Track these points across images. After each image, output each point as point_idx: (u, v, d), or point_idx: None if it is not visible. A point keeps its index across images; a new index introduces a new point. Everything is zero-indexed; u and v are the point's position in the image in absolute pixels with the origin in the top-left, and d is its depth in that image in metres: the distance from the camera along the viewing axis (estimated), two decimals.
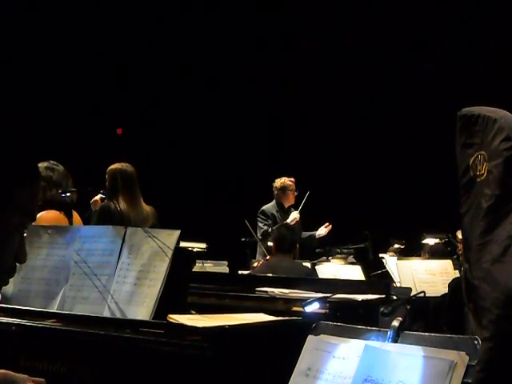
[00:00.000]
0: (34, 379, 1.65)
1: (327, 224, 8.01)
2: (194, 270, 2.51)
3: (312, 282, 3.75)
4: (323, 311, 2.64)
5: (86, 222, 5.18)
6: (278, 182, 7.96)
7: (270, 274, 4.68)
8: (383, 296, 2.92)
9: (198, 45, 10.57)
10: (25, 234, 1.46)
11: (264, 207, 7.89)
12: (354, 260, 7.28)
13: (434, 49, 9.82)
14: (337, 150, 10.06)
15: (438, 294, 5.36)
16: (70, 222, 4.13)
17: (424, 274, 5.75)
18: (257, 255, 7.57)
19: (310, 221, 8.06)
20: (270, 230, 7.44)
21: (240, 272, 6.31)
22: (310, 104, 10.39)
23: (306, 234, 7.92)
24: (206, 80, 10.69)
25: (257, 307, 2.61)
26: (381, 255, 6.94)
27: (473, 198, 2.03)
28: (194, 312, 2.33)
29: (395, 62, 9.86)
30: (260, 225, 7.73)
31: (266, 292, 2.97)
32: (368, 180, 9.74)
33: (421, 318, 5.06)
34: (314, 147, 10.19)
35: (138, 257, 2.35)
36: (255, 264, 6.67)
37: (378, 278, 6.26)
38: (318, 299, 2.65)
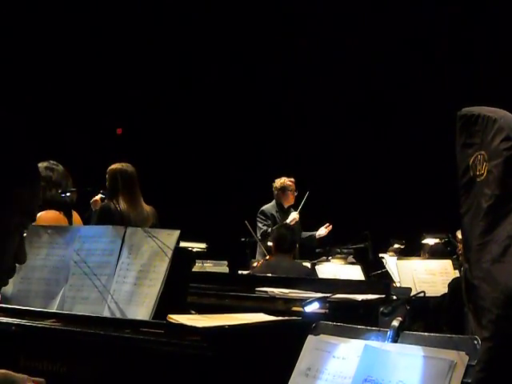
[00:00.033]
0: (33, 379, 1.65)
1: (327, 224, 8.01)
2: (194, 269, 2.51)
3: (312, 282, 3.75)
4: (323, 311, 2.65)
5: (86, 221, 5.18)
6: (278, 182, 7.96)
7: (270, 274, 4.68)
8: (383, 296, 2.93)
9: (197, 45, 10.57)
10: (24, 234, 1.46)
11: (263, 207, 7.89)
12: (353, 260, 7.28)
13: (434, 49, 9.82)
14: (337, 150, 10.06)
15: (438, 294, 5.35)
16: (70, 222, 4.13)
17: (424, 274, 5.74)
18: (257, 255, 7.57)
19: (309, 221, 8.06)
20: (269, 230, 7.44)
21: (240, 272, 6.32)
22: (309, 104, 10.39)
23: (306, 234, 7.92)
24: (206, 80, 10.69)
25: (257, 307, 2.62)
26: (381, 255, 6.93)
27: (473, 197, 2.03)
28: (193, 312, 2.33)
29: (395, 61, 9.86)
30: (259, 225, 7.73)
31: (266, 292, 2.97)
32: (368, 180, 9.74)
33: (421, 317, 5.06)
34: (313, 147, 10.19)
35: (138, 257, 2.35)
36: (255, 264, 6.67)
37: (378, 278, 6.26)
38: (318, 299, 2.65)
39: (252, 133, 10.48)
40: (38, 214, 1.51)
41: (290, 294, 2.91)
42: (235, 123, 10.49)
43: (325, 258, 7.03)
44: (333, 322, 1.70)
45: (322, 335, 1.66)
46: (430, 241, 7.23)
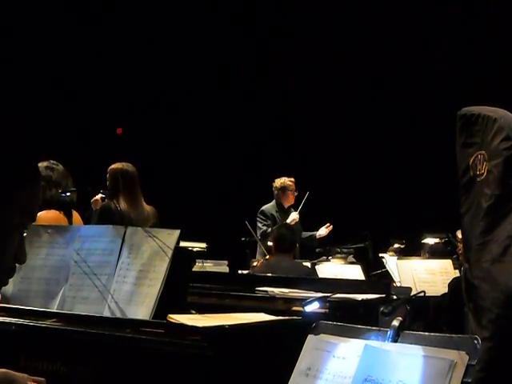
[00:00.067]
0: (33, 378, 1.65)
1: (328, 224, 8.01)
2: (194, 269, 2.50)
3: (312, 281, 3.75)
4: (323, 311, 2.65)
5: (86, 221, 5.18)
6: (278, 182, 7.96)
7: (270, 274, 4.68)
8: (383, 296, 2.93)
9: (198, 45, 10.57)
10: (25, 234, 1.46)
11: (263, 207, 7.89)
12: (353, 260, 7.28)
13: (434, 49, 9.82)
14: (337, 150, 10.05)
15: (438, 294, 5.35)
16: (70, 222, 4.13)
17: (424, 274, 5.75)
18: (257, 255, 7.57)
19: (310, 221, 8.06)
20: (268, 230, 7.44)
21: (240, 272, 6.32)
22: (309, 104, 10.39)
23: (306, 234, 7.92)
24: (206, 80, 10.69)
25: (257, 307, 2.62)
26: (381, 255, 6.93)
27: (473, 197, 2.02)
28: (194, 312, 2.33)
29: (395, 61, 9.86)
30: (259, 225, 7.73)
31: (266, 292, 2.97)
32: (368, 180, 9.74)
33: (421, 317, 5.06)
34: (314, 147, 10.19)
35: (138, 256, 2.35)
36: (255, 264, 6.67)
37: (378, 278, 6.26)
38: (318, 299, 2.65)
39: (252, 133, 10.48)
40: (38, 214, 1.51)
41: (290, 294, 2.91)
42: (235, 123, 10.49)
43: (325, 257, 7.03)
44: (333, 321, 1.70)
45: (322, 335, 1.66)
46: (430, 240, 7.22)
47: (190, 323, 2.03)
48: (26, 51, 9.64)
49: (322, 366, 1.61)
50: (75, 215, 4.35)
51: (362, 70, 10.12)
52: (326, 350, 1.63)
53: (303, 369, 1.63)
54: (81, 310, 2.33)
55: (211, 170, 10.32)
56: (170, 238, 2.34)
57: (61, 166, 4.25)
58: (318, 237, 7.97)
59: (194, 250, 6.18)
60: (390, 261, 6.37)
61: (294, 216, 7.75)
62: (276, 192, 7.96)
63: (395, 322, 1.58)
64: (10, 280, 1.49)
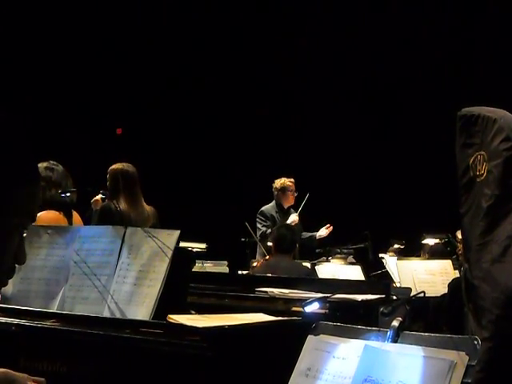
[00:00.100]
0: (33, 378, 1.65)
1: (328, 225, 8.00)
2: (194, 269, 2.51)
3: (312, 282, 3.75)
4: (323, 311, 2.65)
5: (86, 221, 5.18)
6: (278, 183, 7.95)
7: (270, 274, 4.68)
8: (383, 296, 2.92)
9: (197, 45, 10.57)
10: (24, 234, 1.46)
11: (263, 208, 7.88)
12: (353, 260, 7.28)
13: (434, 49, 9.82)
14: (337, 151, 10.05)
15: (438, 294, 5.36)
16: (70, 222, 4.12)
17: (424, 274, 5.75)
18: (257, 255, 7.57)
19: (309, 221, 8.06)
20: (268, 231, 7.44)
21: (240, 272, 6.32)
22: (309, 104, 10.39)
23: (306, 234, 7.92)
24: (206, 80, 10.69)
25: (257, 307, 2.62)
26: (381, 255, 6.93)
27: (473, 198, 2.02)
28: (193, 312, 2.33)
29: (395, 61, 9.86)
30: (259, 226, 7.72)
31: (266, 292, 2.97)
32: (368, 180, 9.74)
33: (421, 317, 5.06)
34: (314, 148, 10.18)
35: (138, 257, 2.35)
36: (255, 264, 6.67)
37: (378, 278, 6.26)
38: (318, 299, 2.65)
39: (252, 133, 10.48)
40: (38, 214, 1.51)
41: (289, 294, 2.91)
42: (235, 123, 10.49)
43: (325, 258, 7.03)
44: (333, 322, 1.70)
45: (321, 335, 1.66)
46: (430, 241, 7.23)
47: (189, 323, 2.03)
48: (26, 51, 9.64)
49: (322, 366, 1.61)
50: (75, 215, 4.34)
51: (362, 71, 10.12)
52: (326, 351, 1.63)
53: (303, 369, 1.63)
54: (81, 310, 2.33)
55: (211, 170, 10.32)
56: (169, 238, 2.34)
57: (60, 167, 4.25)
58: (318, 237, 7.96)
59: (194, 250, 6.18)
60: (390, 261, 6.37)
61: (293, 218, 7.75)
62: (276, 192, 7.95)
63: (395, 323, 1.58)
64: (10, 280, 1.49)
